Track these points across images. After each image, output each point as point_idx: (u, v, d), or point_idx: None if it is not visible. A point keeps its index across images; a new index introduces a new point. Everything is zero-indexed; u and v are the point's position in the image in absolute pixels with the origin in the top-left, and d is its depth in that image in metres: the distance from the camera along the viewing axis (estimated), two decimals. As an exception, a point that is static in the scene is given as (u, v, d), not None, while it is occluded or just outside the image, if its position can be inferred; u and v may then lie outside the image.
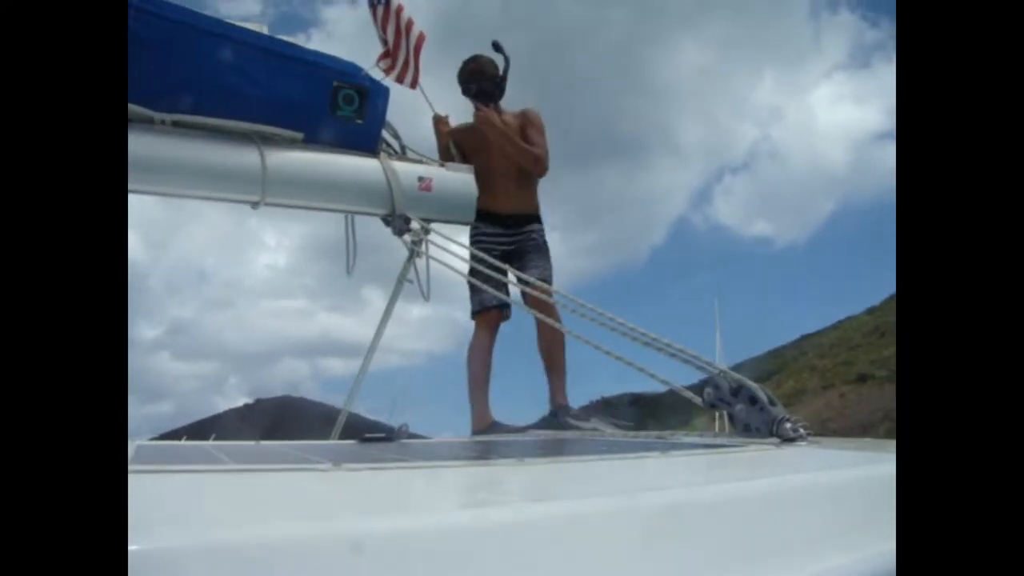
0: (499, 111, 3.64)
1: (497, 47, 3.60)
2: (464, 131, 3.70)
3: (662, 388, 1.97)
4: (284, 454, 1.36)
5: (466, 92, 3.64)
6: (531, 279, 2.86)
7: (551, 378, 3.47)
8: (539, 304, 3.01)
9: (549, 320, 2.88)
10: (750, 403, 1.68)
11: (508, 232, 3.66)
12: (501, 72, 3.64)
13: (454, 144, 3.64)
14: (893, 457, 1.30)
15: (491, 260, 2.78)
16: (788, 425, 1.59)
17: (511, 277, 2.96)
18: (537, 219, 3.76)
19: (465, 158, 3.56)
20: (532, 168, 3.63)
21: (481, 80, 3.62)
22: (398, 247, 2.89)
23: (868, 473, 1.15)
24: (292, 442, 1.82)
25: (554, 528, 0.70)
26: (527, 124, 3.66)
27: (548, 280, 3.49)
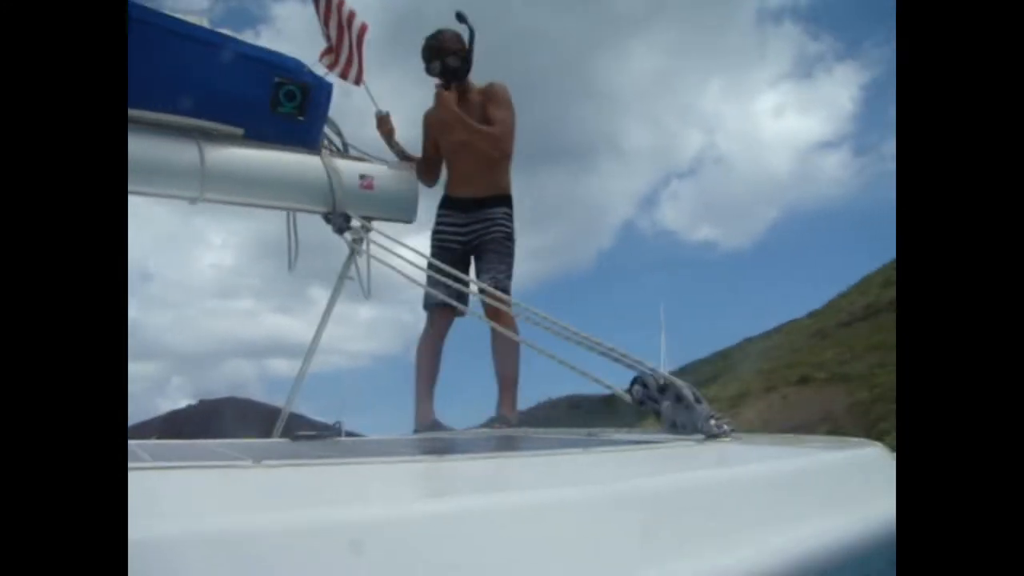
0: (467, 88, 3.47)
1: (461, 17, 3.40)
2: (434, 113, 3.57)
3: (604, 390, 2.01)
4: (210, 452, 1.36)
5: (430, 71, 3.46)
6: (484, 285, 2.80)
7: (500, 386, 3.35)
8: (491, 311, 2.90)
9: (499, 327, 2.78)
10: (676, 401, 1.72)
11: (468, 221, 3.48)
12: (466, 45, 3.44)
13: (428, 129, 3.58)
14: (809, 451, 1.36)
15: (434, 261, 2.78)
16: (713, 422, 1.64)
17: (462, 281, 2.90)
18: (502, 202, 3.52)
19: (437, 142, 3.53)
20: (489, 150, 3.43)
21: (445, 56, 3.42)
22: (344, 247, 2.88)
23: (784, 467, 1.18)
24: (222, 440, 1.80)
25: (451, 524, 0.71)
26: (489, 100, 3.45)
27: (503, 283, 3.29)
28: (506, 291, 3.24)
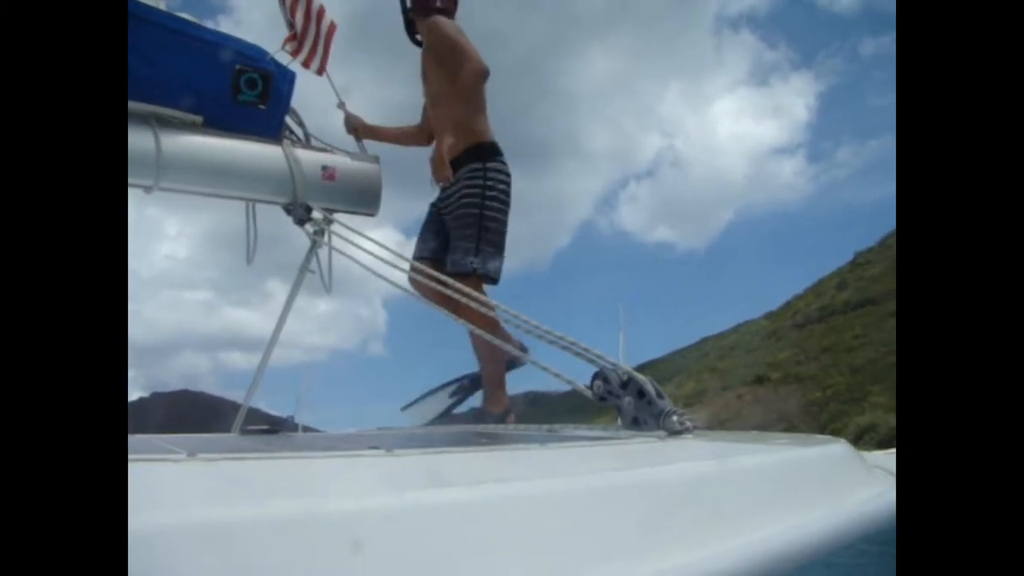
0: (434, 30, 3.16)
1: None
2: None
3: (566, 386, 1.99)
4: (150, 446, 1.31)
5: (405, 12, 3.29)
6: (438, 275, 2.51)
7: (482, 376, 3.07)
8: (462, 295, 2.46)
9: (458, 318, 2.41)
10: (638, 396, 1.71)
11: (443, 192, 3.13)
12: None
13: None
14: (773, 448, 1.36)
15: (395, 251, 2.70)
16: (675, 418, 1.62)
17: (433, 270, 2.62)
18: (473, 155, 3.06)
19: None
20: (472, 83, 3.05)
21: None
22: (304, 241, 2.82)
23: (748, 464, 1.18)
24: (167, 435, 1.75)
25: (399, 518, 0.69)
26: (429, 50, 3.21)
27: (460, 263, 2.94)
28: (471, 271, 2.91)
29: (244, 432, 1.89)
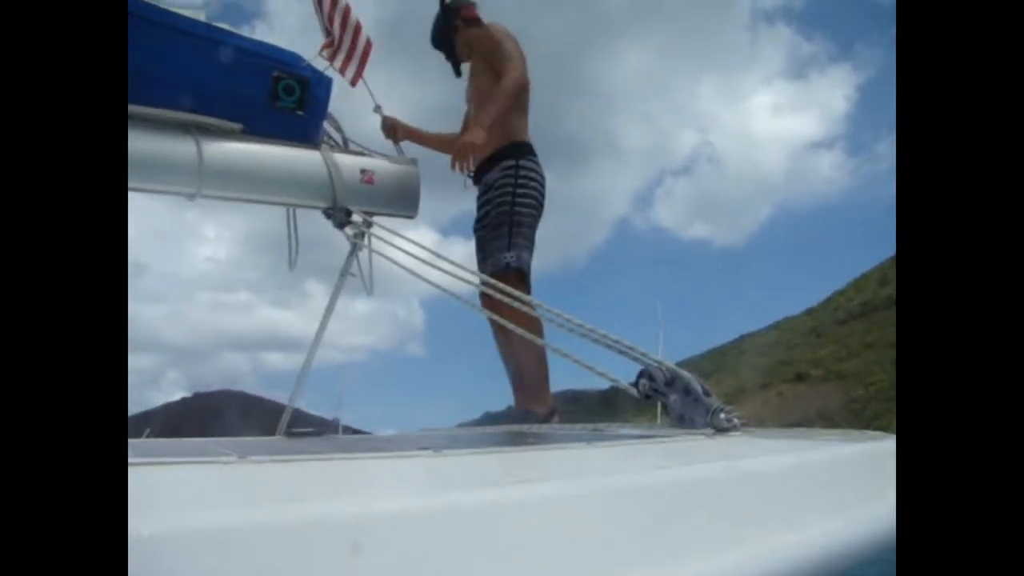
0: (464, 39, 3.35)
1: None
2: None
3: (603, 384, 1.98)
4: (196, 448, 1.32)
5: (447, 24, 3.39)
6: (482, 277, 2.50)
7: (514, 383, 3.06)
8: (489, 301, 2.52)
9: (497, 317, 2.44)
10: (685, 394, 1.69)
11: (480, 197, 3.16)
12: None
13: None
14: (823, 445, 1.34)
15: (434, 252, 2.69)
16: (723, 415, 1.59)
17: (458, 271, 2.52)
18: (505, 154, 3.10)
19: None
20: (512, 98, 3.08)
21: (435, 23, 3.38)
22: (343, 242, 2.85)
23: (798, 461, 1.16)
24: (216, 438, 1.77)
25: (451, 519, 0.69)
26: (478, 55, 3.29)
27: (499, 262, 2.93)
28: (504, 266, 2.92)
29: (289, 434, 1.90)
